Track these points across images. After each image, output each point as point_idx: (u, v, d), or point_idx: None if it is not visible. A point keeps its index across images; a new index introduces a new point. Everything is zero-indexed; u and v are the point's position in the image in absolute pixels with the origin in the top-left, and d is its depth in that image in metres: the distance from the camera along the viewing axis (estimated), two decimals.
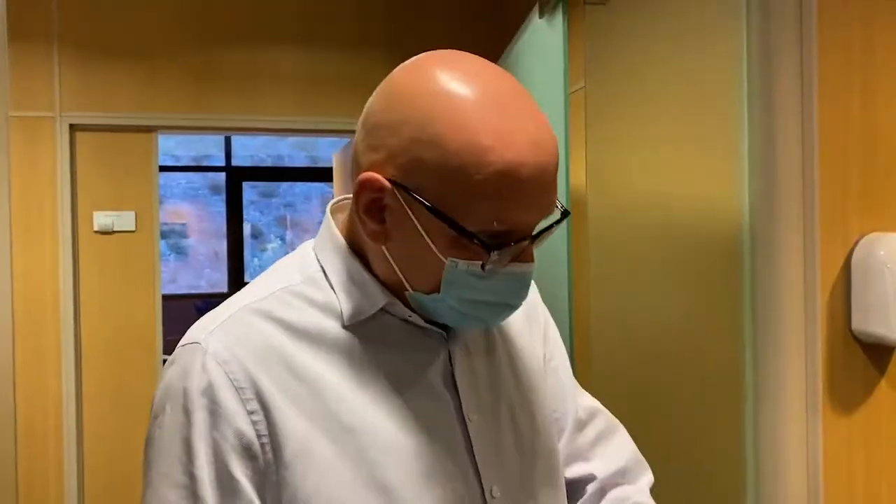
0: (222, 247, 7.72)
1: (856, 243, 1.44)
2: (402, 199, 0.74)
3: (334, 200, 0.89)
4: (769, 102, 1.44)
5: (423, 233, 0.73)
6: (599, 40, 2.07)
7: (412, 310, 0.82)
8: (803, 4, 1.42)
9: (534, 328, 0.98)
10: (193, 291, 7.81)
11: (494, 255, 0.72)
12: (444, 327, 0.84)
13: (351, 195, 0.84)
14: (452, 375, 0.83)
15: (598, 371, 2.10)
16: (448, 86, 0.72)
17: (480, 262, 0.73)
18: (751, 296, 1.46)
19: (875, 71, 1.45)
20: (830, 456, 1.42)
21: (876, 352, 1.44)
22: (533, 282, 0.97)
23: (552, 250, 1.74)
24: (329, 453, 0.75)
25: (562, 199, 1.72)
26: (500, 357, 0.91)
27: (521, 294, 0.78)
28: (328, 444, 0.76)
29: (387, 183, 0.74)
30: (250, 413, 0.75)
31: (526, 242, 0.75)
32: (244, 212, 7.74)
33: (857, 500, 1.44)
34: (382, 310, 0.81)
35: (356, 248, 0.83)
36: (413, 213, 0.73)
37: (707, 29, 1.62)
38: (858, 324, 1.43)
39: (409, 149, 0.72)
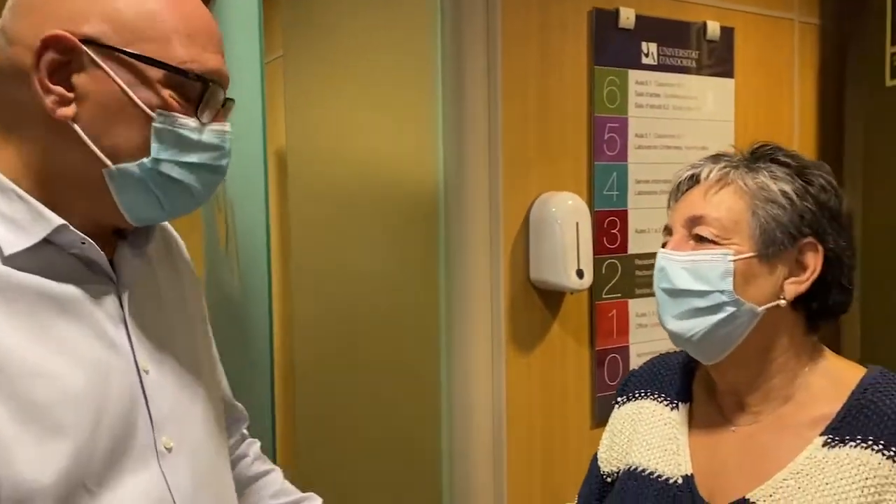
0: None
1: (533, 202, 1.64)
2: (95, 57, 0.71)
3: None
4: (460, 75, 1.58)
5: (125, 87, 0.71)
6: (298, 5, 2.09)
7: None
8: None
9: (198, 295, 0.97)
10: None
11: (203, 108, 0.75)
12: (113, 272, 0.78)
13: None
14: (126, 324, 0.77)
15: (301, 321, 2.12)
16: None
17: (193, 116, 0.74)
18: (445, 249, 1.58)
19: (549, 52, 1.66)
20: (512, 386, 1.59)
21: (550, 297, 1.65)
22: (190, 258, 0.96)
23: (251, 216, 1.73)
24: None
25: (261, 163, 1.71)
26: (172, 309, 0.87)
27: (225, 158, 0.79)
28: None
29: (77, 41, 0.70)
30: None
31: (223, 95, 0.77)
32: None
33: (535, 423, 1.63)
34: (47, 241, 0.72)
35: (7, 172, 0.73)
36: (112, 70, 0.71)
37: (404, 3, 1.72)
38: (535, 273, 1.62)
39: (96, 2, 0.72)
